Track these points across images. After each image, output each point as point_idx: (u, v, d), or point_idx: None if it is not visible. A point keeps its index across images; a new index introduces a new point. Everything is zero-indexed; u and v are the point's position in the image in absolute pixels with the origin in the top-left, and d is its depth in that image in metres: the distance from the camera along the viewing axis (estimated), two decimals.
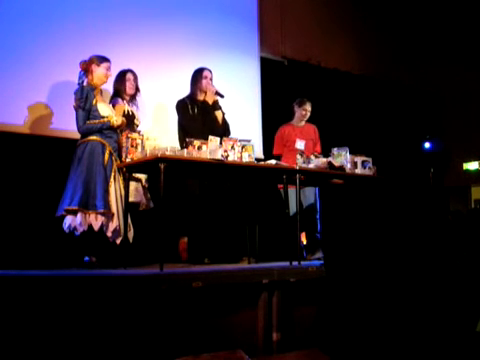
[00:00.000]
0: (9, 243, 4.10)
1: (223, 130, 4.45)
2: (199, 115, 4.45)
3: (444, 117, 8.19)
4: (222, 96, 4.55)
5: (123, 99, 4.27)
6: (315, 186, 4.89)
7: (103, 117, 3.95)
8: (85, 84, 3.97)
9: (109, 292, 3.00)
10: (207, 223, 4.43)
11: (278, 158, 4.90)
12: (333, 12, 7.11)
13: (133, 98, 4.36)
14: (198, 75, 4.55)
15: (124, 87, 4.28)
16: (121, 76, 4.30)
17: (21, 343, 2.73)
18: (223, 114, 4.56)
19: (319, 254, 4.73)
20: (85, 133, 3.92)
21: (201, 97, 4.54)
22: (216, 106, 4.51)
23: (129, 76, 4.31)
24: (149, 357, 3.04)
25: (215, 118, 4.50)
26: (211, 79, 4.55)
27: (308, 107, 5.08)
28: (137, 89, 4.37)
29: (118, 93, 4.27)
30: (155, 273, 3.27)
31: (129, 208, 3.92)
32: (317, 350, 3.36)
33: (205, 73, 4.53)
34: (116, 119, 4.00)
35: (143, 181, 4.25)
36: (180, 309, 3.21)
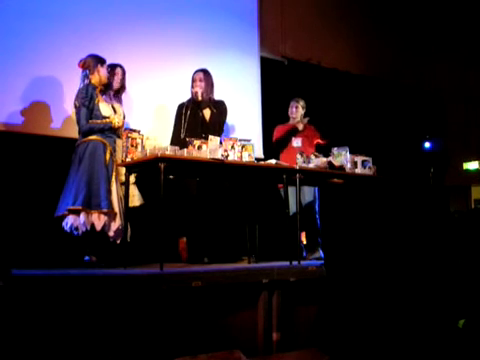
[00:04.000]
0: (9, 243, 4.10)
1: (212, 128, 4.44)
2: (191, 115, 4.49)
3: (444, 117, 8.19)
4: (198, 98, 4.53)
5: (107, 93, 4.19)
6: (315, 186, 4.89)
7: (104, 117, 3.96)
8: (87, 83, 3.97)
9: (109, 292, 3.00)
10: (207, 223, 4.43)
11: (279, 143, 4.88)
12: (333, 12, 7.10)
13: (117, 93, 4.28)
14: (192, 77, 4.59)
15: (111, 81, 4.21)
16: (110, 69, 4.23)
17: (21, 343, 2.73)
18: (212, 112, 4.55)
19: (318, 253, 4.73)
20: (87, 132, 3.92)
21: (194, 97, 4.57)
22: (202, 105, 4.50)
23: (118, 70, 4.26)
24: (149, 357, 3.04)
25: (203, 117, 4.51)
26: (201, 80, 4.56)
27: (295, 104, 5.07)
28: (123, 86, 4.31)
29: (108, 87, 4.19)
30: (155, 273, 3.27)
31: (129, 209, 3.91)
32: (317, 350, 3.36)
33: (194, 75, 4.58)
34: (118, 120, 4.00)
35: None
36: (180, 309, 3.21)
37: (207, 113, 4.53)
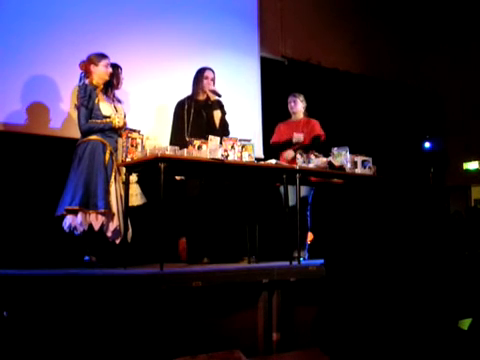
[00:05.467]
0: (9, 243, 4.10)
1: (221, 130, 4.44)
2: (197, 115, 4.46)
3: (444, 117, 8.19)
4: (219, 95, 4.54)
5: (109, 93, 4.14)
6: (314, 186, 4.88)
7: (105, 117, 3.94)
8: (85, 83, 3.96)
9: (109, 292, 3.00)
10: (207, 223, 4.43)
11: (277, 147, 4.88)
12: (333, 11, 7.10)
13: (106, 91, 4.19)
14: (199, 75, 4.54)
15: (113, 80, 4.17)
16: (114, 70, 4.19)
17: (21, 343, 2.73)
18: (223, 114, 4.55)
19: (304, 253, 4.67)
20: (86, 132, 3.91)
21: (202, 97, 4.54)
22: (214, 106, 4.50)
23: (119, 70, 4.26)
24: (149, 357, 3.04)
25: (212, 118, 4.49)
26: (212, 79, 4.54)
27: (292, 100, 5.00)
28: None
29: (108, 86, 4.15)
30: (155, 273, 3.27)
31: (129, 209, 3.91)
32: (317, 350, 3.35)
33: (206, 73, 4.52)
34: (118, 120, 3.99)
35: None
36: (180, 309, 3.21)
37: (217, 115, 4.51)
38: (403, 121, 7.56)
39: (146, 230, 4.19)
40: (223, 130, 4.47)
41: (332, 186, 4.75)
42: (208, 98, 4.53)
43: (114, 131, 4.01)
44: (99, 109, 3.93)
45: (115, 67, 4.20)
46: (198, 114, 4.47)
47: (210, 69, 4.56)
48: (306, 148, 4.68)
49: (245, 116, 5.68)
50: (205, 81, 4.50)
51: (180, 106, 4.54)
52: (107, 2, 4.99)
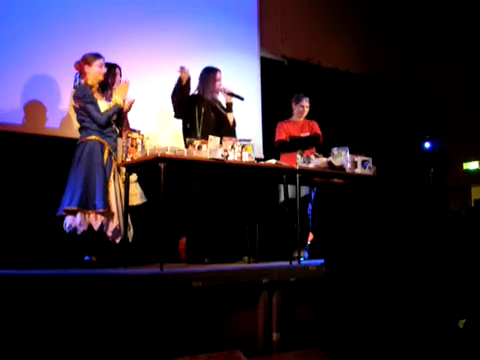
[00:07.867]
0: (9, 243, 4.10)
1: (233, 132, 4.46)
2: (207, 114, 4.45)
3: (444, 117, 8.19)
4: (242, 98, 4.53)
5: (105, 93, 4.12)
6: (314, 186, 4.88)
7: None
8: (82, 84, 3.96)
9: (109, 292, 3.00)
10: (207, 223, 4.43)
11: (283, 145, 4.90)
12: (333, 11, 7.10)
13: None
14: (210, 77, 4.53)
15: (110, 81, 4.17)
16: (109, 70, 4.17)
17: (21, 343, 2.73)
18: (233, 117, 4.58)
19: (304, 253, 4.67)
20: (106, 122, 3.89)
21: (210, 97, 4.53)
22: (230, 108, 4.52)
23: (117, 71, 4.26)
24: (149, 357, 3.04)
25: (226, 119, 4.51)
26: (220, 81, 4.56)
27: (305, 103, 5.06)
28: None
29: (105, 86, 4.15)
30: (155, 273, 3.27)
31: (129, 208, 3.91)
32: (317, 350, 3.35)
33: (218, 75, 4.53)
34: (121, 102, 3.99)
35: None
36: (180, 309, 3.21)
37: (231, 116, 4.53)
38: (403, 121, 7.56)
39: (146, 230, 4.19)
40: (234, 132, 4.50)
41: (332, 186, 4.76)
42: (215, 99, 4.52)
43: (113, 130, 4.01)
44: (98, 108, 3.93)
45: (113, 67, 4.19)
46: (209, 114, 4.48)
47: (219, 70, 4.56)
48: (306, 143, 4.81)
49: (245, 116, 5.67)
50: (217, 83, 4.51)
51: (190, 103, 4.48)
52: (107, 2, 5.00)
